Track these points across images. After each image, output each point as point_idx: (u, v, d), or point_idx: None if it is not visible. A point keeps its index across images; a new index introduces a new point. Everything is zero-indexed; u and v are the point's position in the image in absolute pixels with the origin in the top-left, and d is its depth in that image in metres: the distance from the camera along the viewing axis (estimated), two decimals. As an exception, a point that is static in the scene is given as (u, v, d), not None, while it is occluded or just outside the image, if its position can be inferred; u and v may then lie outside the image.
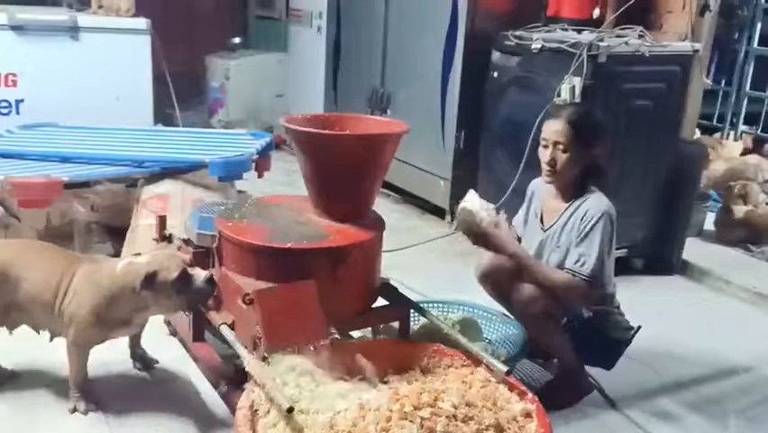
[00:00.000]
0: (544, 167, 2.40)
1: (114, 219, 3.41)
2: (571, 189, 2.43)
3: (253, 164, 3.73)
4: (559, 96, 3.34)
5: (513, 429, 1.79)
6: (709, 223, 4.37)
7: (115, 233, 3.39)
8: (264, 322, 1.93)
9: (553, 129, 2.36)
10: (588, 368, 2.57)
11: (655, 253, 3.84)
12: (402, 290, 2.55)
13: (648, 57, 3.40)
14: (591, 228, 2.32)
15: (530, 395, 1.93)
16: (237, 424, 1.69)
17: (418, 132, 4.33)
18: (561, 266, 2.41)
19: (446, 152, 4.24)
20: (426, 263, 3.75)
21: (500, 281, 2.52)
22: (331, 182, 2.25)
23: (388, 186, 4.90)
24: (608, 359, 2.52)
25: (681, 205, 3.79)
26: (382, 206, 4.68)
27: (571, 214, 2.41)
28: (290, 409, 1.71)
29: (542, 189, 2.57)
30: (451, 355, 2.12)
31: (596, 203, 2.37)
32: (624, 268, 3.71)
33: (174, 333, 2.79)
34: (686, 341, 3.06)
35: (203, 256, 2.45)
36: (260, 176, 3.91)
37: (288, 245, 2.08)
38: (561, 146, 2.34)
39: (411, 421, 1.64)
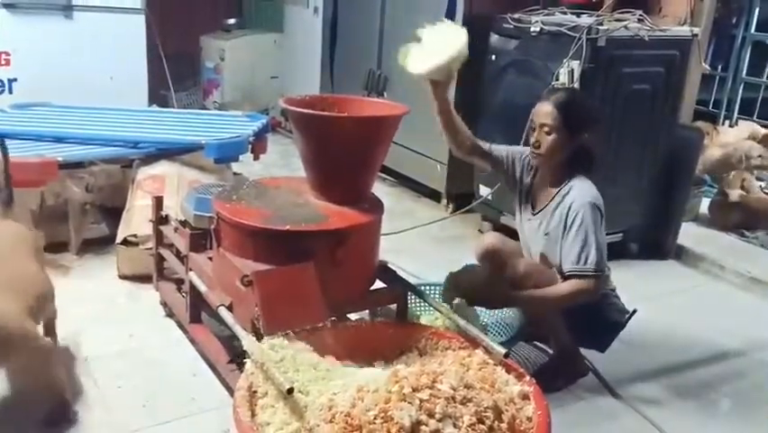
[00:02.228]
0: (530, 149, 2.40)
1: (109, 200, 3.40)
2: (558, 174, 2.41)
3: (249, 146, 3.72)
4: (557, 79, 3.33)
5: (511, 411, 1.80)
6: (704, 208, 4.38)
7: (111, 213, 3.38)
8: (263, 304, 1.93)
9: (541, 111, 2.35)
10: (582, 351, 2.58)
11: (650, 238, 3.85)
12: (398, 272, 2.55)
13: (647, 41, 3.38)
14: (581, 223, 2.29)
15: (528, 377, 1.94)
16: (236, 405, 1.69)
17: (415, 115, 4.30)
18: (547, 254, 2.41)
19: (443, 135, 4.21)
20: (421, 247, 3.75)
21: (499, 262, 2.51)
22: (330, 165, 2.24)
23: (383, 169, 4.88)
24: (601, 341, 2.53)
25: (676, 190, 3.80)
26: (378, 189, 4.61)
27: (558, 204, 2.38)
28: (290, 390, 1.71)
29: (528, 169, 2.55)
30: (448, 338, 2.13)
31: (579, 194, 2.33)
32: (619, 252, 3.72)
33: (170, 314, 2.78)
34: (680, 325, 3.08)
35: (200, 238, 2.45)
36: (255, 158, 3.90)
37: (287, 227, 2.07)
38: (546, 128, 2.32)
39: (410, 403, 1.64)
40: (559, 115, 2.31)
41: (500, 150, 2.62)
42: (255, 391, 1.76)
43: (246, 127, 3.75)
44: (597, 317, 2.46)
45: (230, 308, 2.12)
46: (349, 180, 2.26)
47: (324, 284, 2.03)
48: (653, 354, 2.82)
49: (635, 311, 2.52)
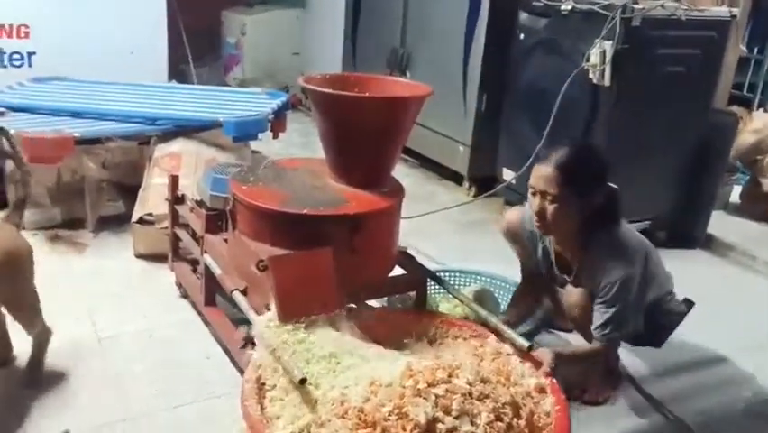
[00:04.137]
0: (534, 218, 2.10)
1: (125, 177, 3.35)
2: (574, 243, 2.16)
3: (268, 124, 3.64)
4: (588, 60, 3.20)
5: (528, 406, 1.73)
6: (736, 196, 4.24)
7: (127, 191, 3.33)
8: (278, 289, 1.87)
9: (541, 175, 2.02)
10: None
11: (679, 226, 3.73)
12: (417, 257, 2.48)
13: (684, 21, 3.23)
14: (612, 296, 2.07)
15: (543, 368, 1.86)
16: (244, 398, 1.64)
17: (438, 94, 4.13)
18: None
19: (467, 116, 4.11)
20: (443, 231, 3.66)
21: (524, 241, 2.39)
22: (350, 147, 2.16)
23: (404, 150, 4.76)
24: (657, 340, 2.38)
25: (708, 177, 3.66)
26: (399, 170, 4.52)
27: (583, 270, 2.17)
28: (303, 381, 1.65)
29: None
30: (459, 326, 2.06)
31: (612, 274, 2.06)
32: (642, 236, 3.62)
33: (185, 295, 2.74)
34: (708, 317, 2.95)
35: (215, 219, 2.39)
36: (275, 136, 3.83)
37: (304, 211, 2.00)
38: (549, 197, 2.02)
39: (425, 399, 1.57)
40: (564, 181, 1.99)
41: (528, 262, 2.43)
42: (263, 384, 1.70)
43: (265, 105, 3.67)
44: (652, 323, 2.30)
45: (245, 292, 2.07)
46: (369, 163, 2.18)
47: (342, 270, 1.96)
48: (679, 348, 2.70)
49: (692, 305, 2.36)
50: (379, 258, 2.18)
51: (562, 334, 2.74)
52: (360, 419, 1.55)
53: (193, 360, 2.38)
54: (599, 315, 2.11)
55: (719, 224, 3.84)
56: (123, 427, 2.05)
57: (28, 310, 2.15)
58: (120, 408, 2.12)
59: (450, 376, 1.66)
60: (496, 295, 2.70)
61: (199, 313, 2.59)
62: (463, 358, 1.87)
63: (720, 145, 3.64)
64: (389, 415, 1.55)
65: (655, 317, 2.29)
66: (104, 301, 2.71)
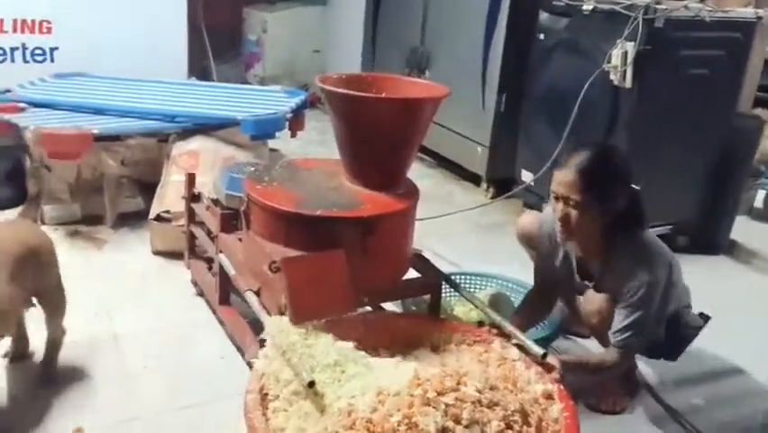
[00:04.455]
0: (557, 225, 2.07)
1: (144, 174, 3.37)
2: (598, 247, 2.11)
3: (287, 123, 3.64)
4: (609, 62, 3.16)
5: (536, 413, 1.71)
6: (760, 201, 4.16)
7: (146, 188, 3.35)
8: (290, 291, 1.86)
9: (562, 181, 1.98)
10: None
11: (702, 232, 3.66)
12: (433, 259, 2.45)
13: (708, 22, 3.17)
14: (637, 300, 2.04)
15: (551, 374, 1.84)
16: (247, 410, 1.62)
17: (457, 94, 4.10)
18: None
19: (486, 116, 4.08)
20: (460, 233, 3.64)
21: (539, 246, 2.36)
22: (365, 148, 2.14)
23: (422, 149, 4.75)
24: (673, 351, 2.32)
25: (731, 181, 3.60)
26: (416, 170, 4.54)
27: (604, 275, 2.13)
28: (311, 384, 1.64)
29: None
30: (462, 331, 2.04)
31: (638, 278, 2.02)
32: (667, 246, 3.56)
33: (201, 293, 2.74)
34: (729, 326, 2.89)
35: (231, 218, 2.39)
36: (293, 135, 3.82)
37: (318, 213, 1.98)
38: (572, 202, 1.98)
39: (435, 408, 1.55)
40: (585, 186, 1.95)
41: (543, 268, 2.37)
42: (267, 394, 1.69)
43: (284, 103, 3.67)
44: (669, 335, 2.25)
45: (258, 293, 2.06)
46: (384, 165, 2.16)
47: (355, 272, 1.94)
48: (699, 357, 2.66)
49: (708, 318, 2.31)
50: (393, 261, 2.16)
51: (580, 340, 2.71)
52: (368, 431, 1.53)
53: (207, 360, 2.38)
54: (620, 319, 2.07)
55: (743, 229, 3.78)
56: (135, 426, 2.05)
57: (55, 304, 2.17)
58: (133, 407, 2.13)
59: (458, 384, 1.63)
60: (512, 299, 2.67)
61: (214, 312, 2.60)
62: (469, 364, 1.84)
63: (744, 149, 3.57)
64: (398, 425, 1.53)
65: (673, 330, 2.24)
66: (120, 298, 2.73)
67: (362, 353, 1.87)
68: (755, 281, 3.46)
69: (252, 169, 2.34)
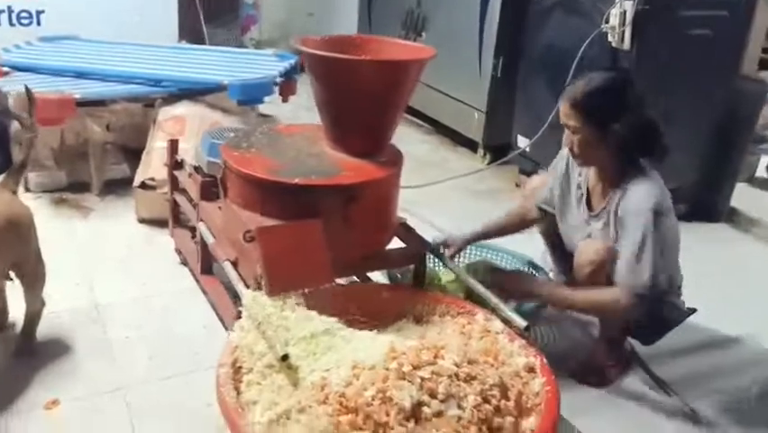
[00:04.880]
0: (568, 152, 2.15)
1: (131, 140, 3.30)
2: (610, 172, 2.09)
3: (277, 87, 3.56)
4: (607, 22, 3.05)
5: (517, 387, 1.66)
6: (763, 168, 4.06)
7: (133, 154, 3.28)
8: (266, 262, 1.80)
9: (562, 112, 2.06)
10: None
11: (701, 199, 3.58)
12: (425, 228, 2.39)
13: (710, -19, 3.06)
14: (638, 233, 1.98)
15: (533, 348, 1.79)
16: (218, 383, 1.57)
17: (454, 58, 4.08)
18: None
19: (482, 80, 3.97)
20: (454, 200, 3.57)
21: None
22: (346, 113, 2.07)
23: (419, 115, 4.68)
24: (650, 337, 2.26)
25: (733, 147, 3.51)
26: (412, 136, 4.52)
27: (615, 209, 2.07)
28: (285, 357, 1.60)
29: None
30: (446, 303, 1.99)
31: (638, 198, 2.01)
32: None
33: (185, 262, 2.70)
34: (726, 296, 2.85)
35: (211, 186, 2.33)
36: (284, 100, 3.74)
37: (296, 181, 1.92)
38: (571, 128, 2.05)
39: (410, 382, 1.50)
40: (577, 114, 2.01)
41: (545, 191, 2.34)
42: (240, 367, 1.64)
43: (273, 67, 3.58)
44: (653, 315, 2.15)
45: (235, 263, 2.01)
46: (366, 131, 2.09)
47: (335, 242, 1.88)
48: (691, 328, 2.61)
49: (693, 310, 2.24)
50: (375, 230, 2.10)
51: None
52: (341, 405, 1.48)
53: (189, 329, 2.35)
54: (625, 259, 1.99)
55: (744, 197, 3.69)
56: (114, 396, 2.02)
57: (33, 276, 2.13)
58: (112, 377, 2.10)
59: (435, 357, 1.58)
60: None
61: (198, 281, 2.55)
62: (450, 337, 1.79)
63: (747, 114, 3.47)
64: (372, 399, 1.48)
65: (657, 310, 2.13)
66: (104, 267, 2.69)
67: (340, 325, 1.82)
68: (755, 250, 3.39)
69: (232, 135, 2.26)
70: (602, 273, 2.06)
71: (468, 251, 2.69)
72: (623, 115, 2.01)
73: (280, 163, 2.03)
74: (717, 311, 2.71)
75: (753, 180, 3.97)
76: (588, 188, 2.20)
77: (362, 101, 2.02)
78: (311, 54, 1.97)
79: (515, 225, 2.46)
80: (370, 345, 1.73)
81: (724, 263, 3.18)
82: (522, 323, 1.86)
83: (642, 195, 2.02)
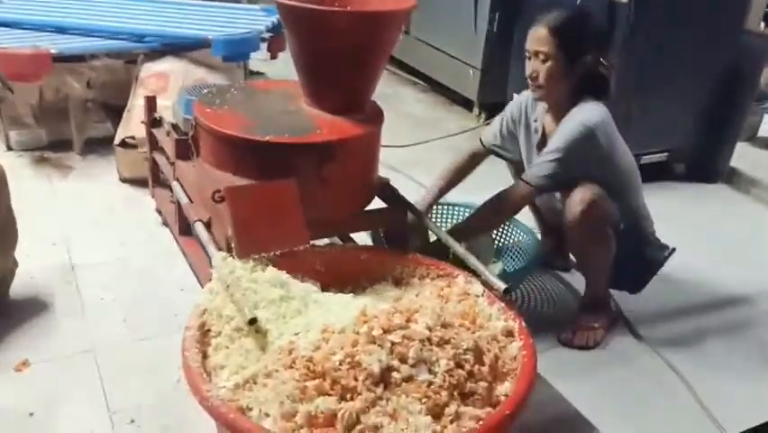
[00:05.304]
0: (528, 82, 2.12)
1: (113, 98, 3.21)
2: (564, 107, 2.11)
3: (266, 43, 3.45)
4: (605, -28, 2.92)
5: (493, 351, 1.61)
6: (765, 128, 3.95)
7: (116, 112, 3.19)
8: (236, 223, 1.74)
9: (535, 37, 2.06)
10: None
11: (700, 158, 3.50)
12: (415, 189, 2.32)
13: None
14: (558, 136, 2.05)
15: (513, 311, 1.73)
16: (184, 348, 1.52)
17: (448, 13, 3.96)
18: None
19: (478, 36, 3.85)
20: (445, 160, 3.46)
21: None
22: (322, 69, 1.97)
23: (414, 72, 4.56)
24: (637, 282, 2.28)
25: (734, 105, 3.40)
26: (407, 94, 4.42)
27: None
28: (253, 320, 1.54)
29: (539, 107, 2.26)
30: (426, 265, 1.93)
31: (576, 114, 2.06)
32: (663, 173, 3.41)
33: (166, 223, 2.64)
34: (724, 258, 2.79)
35: (187, 144, 2.25)
36: (273, 56, 3.63)
37: (267, 138, 1.84)
38: (542, 56, 2.04)
39: (380, 346, 1.45)
40: (554, 39, 2.01)
41: (492, 128, 2.41)
42: (208, 330, 1.59)
43: (260, 22, 3.46)
44: (635, 254, 2.19)
45: (208, 224, 1.95)
46: (343, 87, 2.00)
47: (310, 203, 1.82)
48: (685, 290, 2.56)
49: (674, 250, 2.25)
50: (353, 191, 2.02)
51: (563, 274, 2.60)
52: (308, 369, 1.43)
53: (166, 291, 2.30)
54: (540, 158, 2.09)
55: (744, 157, 3.61)
56: (85, 358, 1.99)
57: (4, 234, 2.07)
58: (84, 339, 2.06)
59: (408, 321, 1.53)
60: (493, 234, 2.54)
61: (178, 242, 2.50)
62: (427, 300, 1.73)
63: (750, 70, 3.35)
64: (340, 364, 1.44)
65: (637, 254, 2.16)
66: (82, 227, 2.64)
67: (314, 288, 1.77)
68: (754, 211, 3.31)
69: (205, 92, 2.17)
70: (595, 211, 2.03)
71: (459, 213, 2.63)
72: (594, 49, 2.08)
73: (254, 120, 1.95)
74: (715, 272, 2.66)
75: (754, 140, 3.87)
76: (543, 131, 2.21)
77: (338, 56, 1.92)
78: (282, 4, 1.87)
79: (466, 167, 2.45)
80: (342, 309, 1.68)
81: (722, 224, 3.11)
82: (501, 286, 1.79)
83: (582, 111, 2.06)
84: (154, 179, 2.67)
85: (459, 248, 1.95)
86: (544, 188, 2.10)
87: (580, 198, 2.03)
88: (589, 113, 2.06)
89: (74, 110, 3.09)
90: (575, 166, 2.05)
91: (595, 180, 2.06)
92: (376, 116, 2.07)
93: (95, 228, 2.63)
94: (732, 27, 3.21)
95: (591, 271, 2.23)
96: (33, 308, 2.17)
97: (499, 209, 2.17)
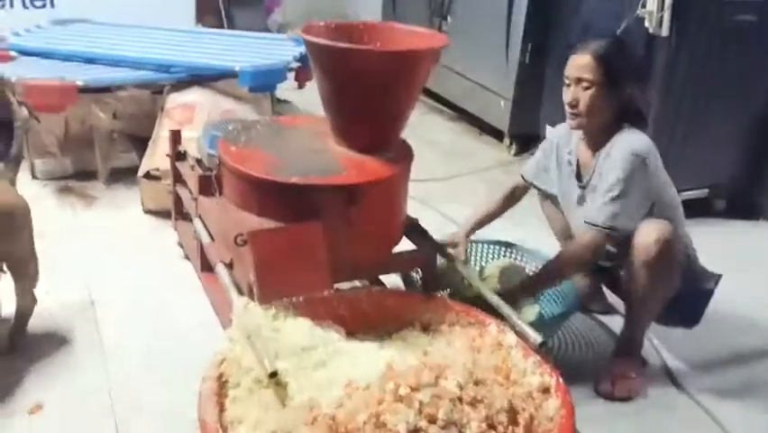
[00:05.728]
0: (567, 109, 2.06)
1: (139, 129, 3.18)
2: (602, 136, 2.06)
3: (294, 73, 3.41)
4: (644, 6, 2.83)
5: (528, 410, 1.51)
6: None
7: (142, 143, 3.16)
8: (258, 268, 1.67)
9: (578, 64, 2.02)
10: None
11: (741, 194, 3.36)
12: (445, 224, 2.22)
13: (758, -38, 2.82)
14: (615, 174, 1.97)
15: (549, 365, 1.62)
16: (201, 400, 1.45)
17: (480, 42, 3.89)
18: None
19: (509, 67, 3.77)
20: (477, 193, 3.38)
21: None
22: (350, 107, 1.90)
23: (442, 101, 4.50)
24: (692, 314, 2.18)
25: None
26: (436, 123, 4.35)
27: (603, 164, 2.05)
28: (273, 374, 1.46)
29: (573, 138, 2.19)
30: (456, 311, 1.83)
31: (622, 145, 2.00)
32: (703, 210, 3.28)
33: (188, 257, 2.58)
34: (765, 302, 2.64)
35: (211, 180, 2.20)
36: (300, 86, 3.59)
37: (293, 180, 1.77)
38: (584, 83, 1.99)
39: (407, 405, 1.36)
40: (599, 67, 1.97)
41: (532, 162, 2.35)
42: (226, 381, 1.51)
43: (288, 52, 3.42)
44: (686, 288, 2.08)
45: (230, 265, 1.88)
46: (372, 126, 1.93)
47: (337, 246, 1.74)
48: (729, 336, 2.41)
49: (720, 276, 2.16)
50: (381, 233, 1.94)
51: (600, 317, 2.48)
52: (330, 429, 1.36)
53: (185, 328, 2.24)
54: (599, 200, 2.00)
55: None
56: (100, 398, 1.92)
57: (24, 271, 2.03)
58: (101, 380, 2.00)
59: (437, 378, 1.44)
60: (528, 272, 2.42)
61: (199, 277, 2.44)
62: (458, 351, 1.64)
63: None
64: (364, 424, 1.35)
65: (691, 281, 2.08)
66: (104, 260, 2.60)
67: (337, 336, 1.68)
68: (800, 251, 3.15)
69: (230, 128, 2.12)
70: (669, 250, 1.95)
71: (491, 251, 2.52)
72: (635, 81, 2.06)
73: (279, 160, 1.89)
74: (756, 318, 2.52)
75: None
76: (578, 163, 2.17)
77: (367, 95, 1.85)
78: (311, 42, 1.81)
79: (507, 202, 2.38)
80: (368, 361, 1.60)
81: (764, 264, 2.97)
82: (537, 338, 1.69)
83: (627, 141, 2.01)
84: (177, 212, 2.62)
85: (492, 296, 1.86)
86: (615, 229, 1.99)
87: (655, 236, 1.94)
88: (634, 142, 2.00)
89: (99, 141, 3.07)
90: (638, 200, 1.98)
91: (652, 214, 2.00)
92: (405, 155, 1.99)
93: (116, 261, 2.59)
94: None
95: (645, 313, 2.10)
96: (51, 346, 2.12)
97: (571, 262, 2.07)
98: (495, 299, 1.85)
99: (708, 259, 2.23)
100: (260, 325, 1.62)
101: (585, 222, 2.03)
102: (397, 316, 1.89)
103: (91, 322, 2.25)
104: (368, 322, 1.84)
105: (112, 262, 2.58)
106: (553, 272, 2.11)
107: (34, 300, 2.11)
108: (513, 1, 3.68)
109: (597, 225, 1.99)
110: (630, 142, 2.00)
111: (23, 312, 2.09)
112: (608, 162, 2.02)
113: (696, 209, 3.16)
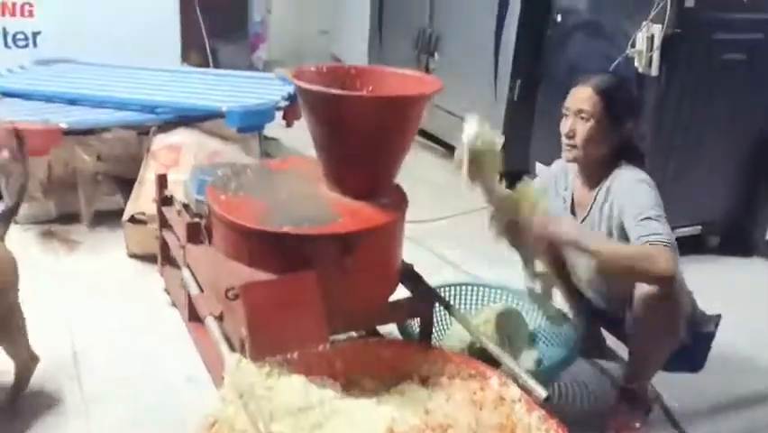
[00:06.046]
0: (563, 140, 2.02)
1: (125, 170, 3.12)
2: (598, 172, 2.03)
3: (282, 112, 3.37)
4: (633, 46, 2.83)
5: None
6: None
7: (127, 185, 3.09)
8: (251, 323, 1.60)
9: (579, 96, 2.00)
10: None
11: (735, 231, 3.34)
12: (440, 266, 2.16)
13: (745, 2, 2.83)
14: (637, 203, 1.87)
15: (554, 420, 1.56)
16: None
17: (468, 79, 3.88)
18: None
19: (498, 104, 3.76)
20: (471, 233, 3.30)
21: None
22: (343, 152, 1.86)
23: (432, 138, 4.47)
24: (696, 358, 2.10)
25: (768, 175, 3.27)
26: (426, 161, 4.32)
27: (602, 202, 2.01)
28: (267, 439, 1.39)
29: (569, 175, 2.16)
30: (456, 362, 1.78)
31: (627, 175, 1.97)
32: (695, 247, 3.25)
33: (174, 303, 2.50)
34: (765, 342, 2.60)
35: (199, 227, 2.13)
36: (288, 125, 3.55)
37: (285, 230, 1.71)
38: (584, 114, 1.97)
39: (408, 468, 1.29)
40: (600, 101, 1.96)
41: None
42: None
43: (276, 91, 3.39)
44: (686, 332, 2.00)
45: (221, 318, 1.81)
46: (366, 171, 1.88)
47: (330, 297, 1.68)
48: (728, 381, 2.37)
49: (719, 316, 2.10)
50: (376, 282, 1.88)
51: (602, 362, 2.42)
52: (328, 497, 1.29)
53: (172, 383, 2.14)
54: (639, 221, 1.84)
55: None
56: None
57: (6, 328, 1.92)
58: (85, 441, 1.90)
59: (440, 437, 1.38)
60: (525, 316, 2.35)
61: (187, 327, 2.35)
62: (459, 407, 1.58)
63: (784, 141, 3.22)
64: (363, 489, 1.29)
65: (692, 324, 2.01)
66: (88, 308, 2.51)
67: (333, 393, 1.61)
68: (795, 289, 3.13)
69: (219, 174, 2.06)
70: (674, 307, 1.86)
71: (489, 295, 2.45)
72: (636, 115, 2.07)
73: (270, 208, 1.83)
74: (754, 360, 2.47)
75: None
76: (572, 198, 2.14)
77: (362, 140, 1.81)
78: (304, 89, 1.77)
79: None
80: (366, 420, 1.53)
81: (760, 302, 2.93)
82: (542, 393, 1.63)
83: (630, 173, 1.98)
84: (164, 258, 2.54)
85: (493, 348, 1.79)
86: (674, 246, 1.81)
87: (658, 291, 1.84)
88: (639, 174, 1.96)
89: (83, 184, 3.00)
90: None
91: None
92: (400, 200, 1.95)
93: (100, 309, 2.50)
94: (764, 97, 3.10)
95: (650, 366, 2.04)
96: (40, 406, 2.01)
97: (647, 268, 1.79)
98: (497, 351, 1.79)
99: (703, 297, 2.17)
100: (253, 383, 1.55)
101: (650, 243, 1.80)
102: (395, 368, 1.83)
103: (74, 379, 2.14)
104: (365, 375, 1.77)
105: (96, 310, 2.49)
106: (620, 258, 1.85)
107: (34, 358, 2.00)
108: (501, 38, 3.68)
109: (661, 244, 1.77)
110: (634, 173, 1.97)
111: (21, 370, 1.98)
112: (612, 201, 1.97)
113: (689, 246, 3.14)
